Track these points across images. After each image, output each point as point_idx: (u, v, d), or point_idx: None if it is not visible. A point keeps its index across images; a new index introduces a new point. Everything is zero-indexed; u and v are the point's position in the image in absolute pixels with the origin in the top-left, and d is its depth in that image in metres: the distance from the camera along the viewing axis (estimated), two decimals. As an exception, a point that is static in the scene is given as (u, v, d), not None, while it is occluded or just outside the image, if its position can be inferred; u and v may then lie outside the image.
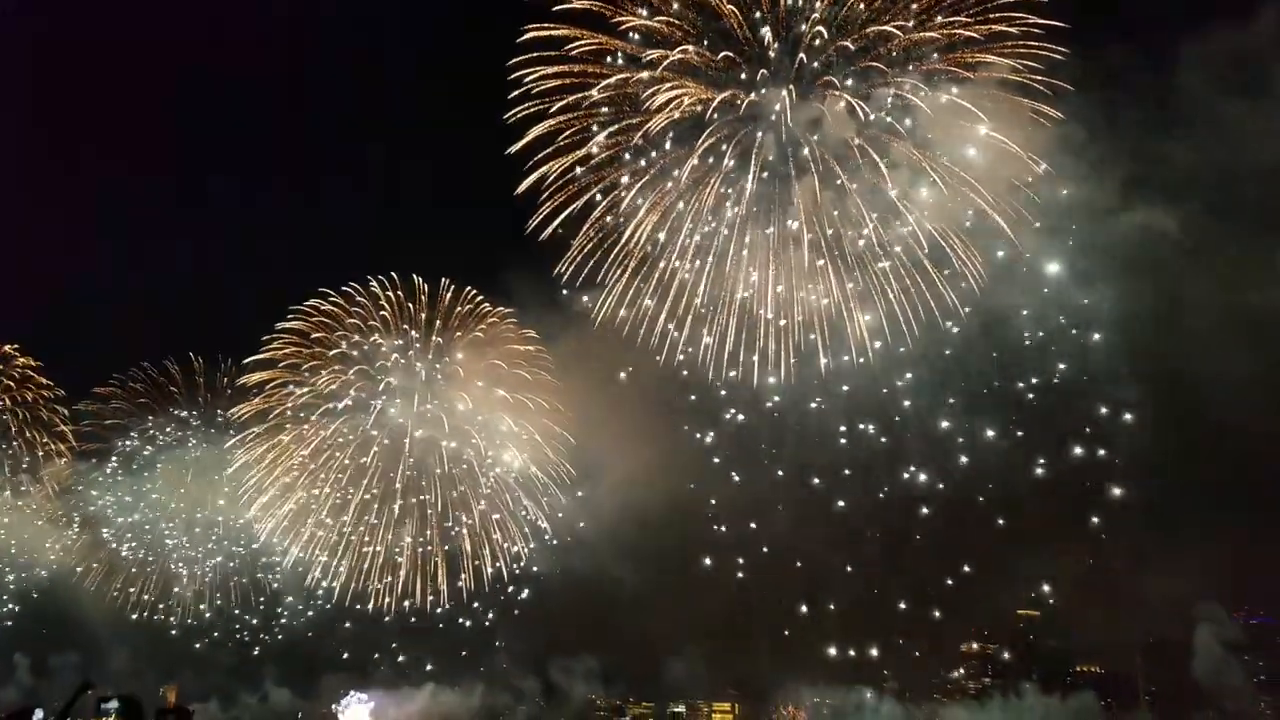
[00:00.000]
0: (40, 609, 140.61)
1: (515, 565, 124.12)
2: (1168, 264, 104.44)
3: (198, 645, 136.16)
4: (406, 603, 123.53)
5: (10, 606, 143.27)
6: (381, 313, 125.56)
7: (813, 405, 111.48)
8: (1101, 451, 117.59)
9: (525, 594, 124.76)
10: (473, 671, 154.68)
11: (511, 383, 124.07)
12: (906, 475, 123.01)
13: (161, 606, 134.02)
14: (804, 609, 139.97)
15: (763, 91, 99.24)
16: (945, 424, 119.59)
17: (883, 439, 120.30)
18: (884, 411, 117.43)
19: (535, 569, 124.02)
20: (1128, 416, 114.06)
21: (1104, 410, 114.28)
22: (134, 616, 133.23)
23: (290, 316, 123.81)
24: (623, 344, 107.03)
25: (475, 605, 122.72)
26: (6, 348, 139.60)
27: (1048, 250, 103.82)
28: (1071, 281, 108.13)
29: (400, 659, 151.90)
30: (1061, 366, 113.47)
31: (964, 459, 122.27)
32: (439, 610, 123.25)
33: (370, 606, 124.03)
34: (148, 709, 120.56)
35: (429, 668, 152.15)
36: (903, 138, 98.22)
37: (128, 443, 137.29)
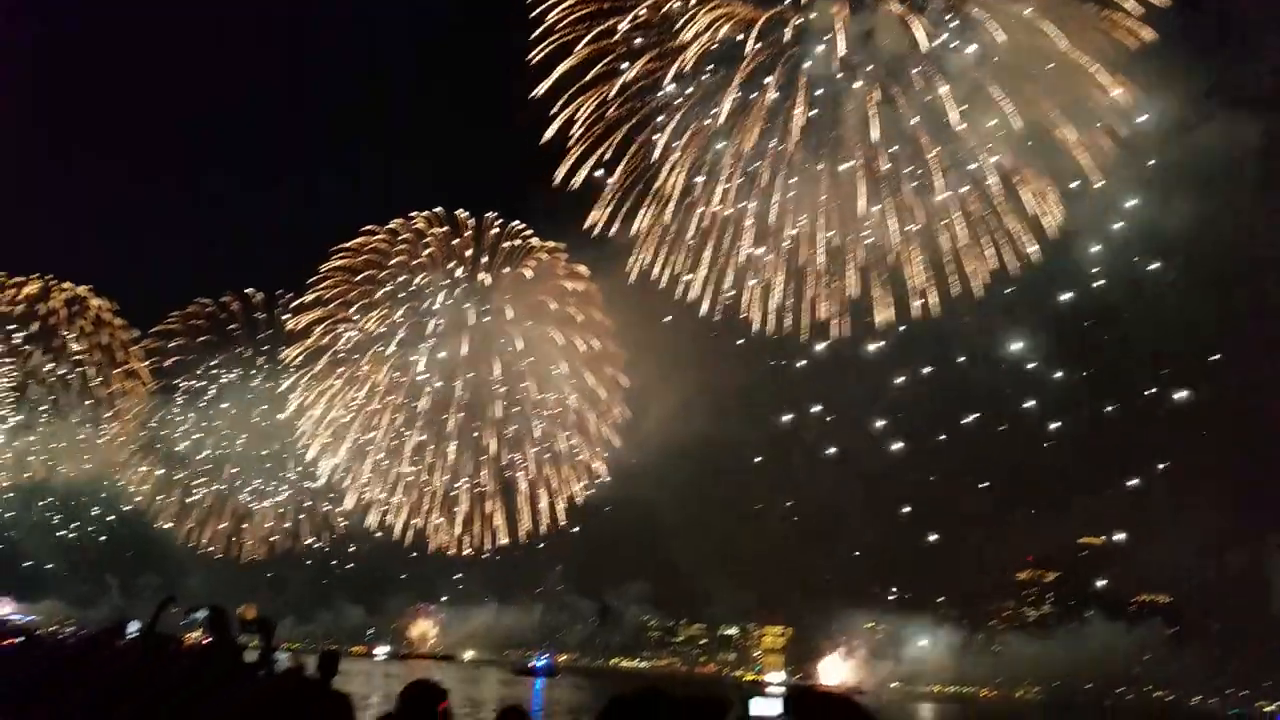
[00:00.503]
0: (124, 537, 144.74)
1: (571, 500, 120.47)
2: (1248, 188, 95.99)
3: (269, 573, 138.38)
4: (465, 538, 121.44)
5: (100, 536, 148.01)
6: (428, 249, 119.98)
7: (871, 347, 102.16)
8: (1183, 393, 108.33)
9: (580, 525, 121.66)
10: (530, 593, 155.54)
11: (561, 320, 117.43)
12: (970, 418, 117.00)
13: (233, 539, 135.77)
14: (856, 540, 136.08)
15: (812, 15, 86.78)
16: (1012, 360, 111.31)
17: (942, 379, 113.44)
18: (944, 351, 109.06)
19: (590, 501, 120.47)
20: (1211, 355, 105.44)
21: (1180, 346, 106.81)
22: (210, 546, 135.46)
23: (336, 255, 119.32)
24: (662, 293, 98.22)
25: (532, 538, 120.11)
26: (80, 289, 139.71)
27: (1126, 180, 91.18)
28: (1150, 211, 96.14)
29: (461, 583, 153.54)
30: (1134, 301, 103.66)
31: (1031, 398, 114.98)
32: (497, 543, 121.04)
33: (430, 547, 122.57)
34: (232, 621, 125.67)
35: (489, 589, 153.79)
36: (969, 59, 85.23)
37: (192, 382, 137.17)
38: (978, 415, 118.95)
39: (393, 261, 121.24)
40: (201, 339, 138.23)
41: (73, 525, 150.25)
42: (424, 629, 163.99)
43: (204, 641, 8.35)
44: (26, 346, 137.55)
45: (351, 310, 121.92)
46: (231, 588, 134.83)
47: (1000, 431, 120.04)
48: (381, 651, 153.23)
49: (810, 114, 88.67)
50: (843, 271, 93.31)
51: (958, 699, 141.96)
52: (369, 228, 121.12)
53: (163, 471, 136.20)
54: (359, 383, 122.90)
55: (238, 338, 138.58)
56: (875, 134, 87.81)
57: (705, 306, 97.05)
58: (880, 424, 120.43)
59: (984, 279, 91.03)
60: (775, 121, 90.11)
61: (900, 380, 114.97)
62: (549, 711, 59.69)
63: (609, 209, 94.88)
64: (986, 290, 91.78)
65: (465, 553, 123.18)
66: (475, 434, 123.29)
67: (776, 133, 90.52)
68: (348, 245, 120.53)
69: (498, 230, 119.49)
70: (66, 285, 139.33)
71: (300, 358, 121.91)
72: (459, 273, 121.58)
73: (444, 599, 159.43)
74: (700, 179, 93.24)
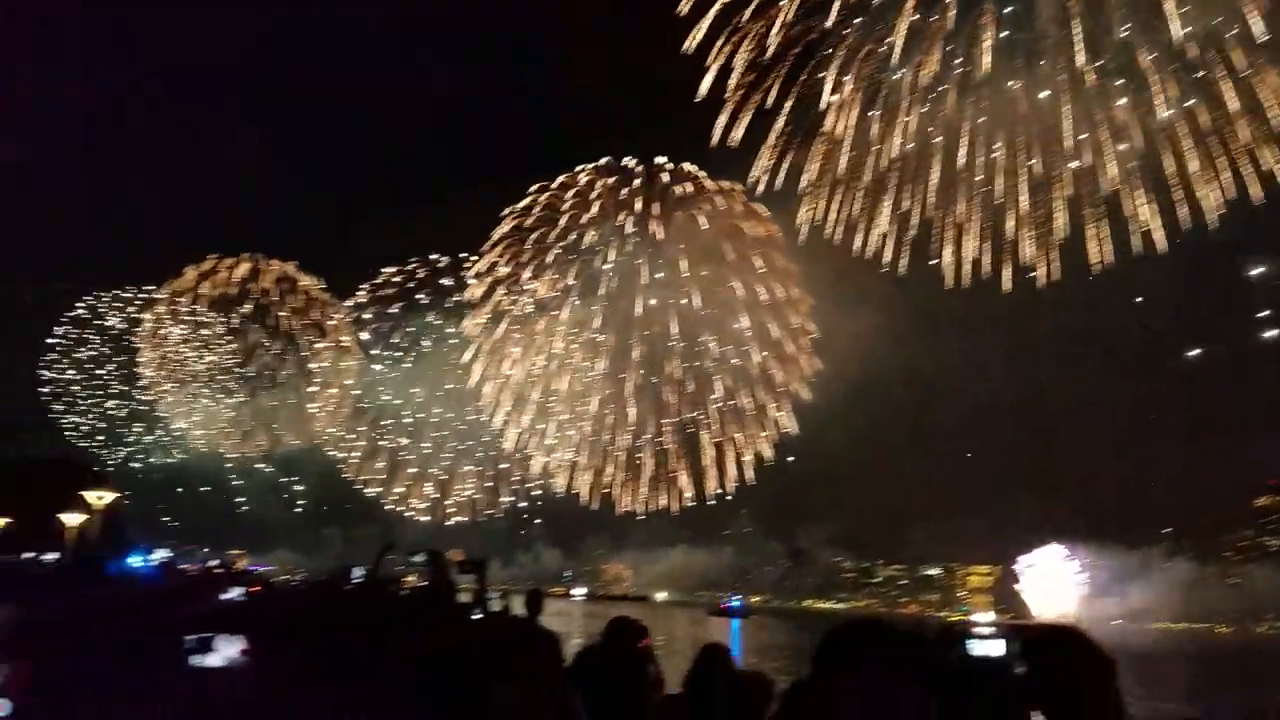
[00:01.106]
0: (341, 496, 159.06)
1: (759, 456, 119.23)
2: None
3: (465, 518, 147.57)
4: (650, 499, 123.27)
5: (315, 495, 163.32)
6: (598, 201, 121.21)
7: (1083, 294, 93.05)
8: None
9: (771, 465, 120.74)
10: (720, 537, 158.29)
11: (740, 268, 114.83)
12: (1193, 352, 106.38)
13: (435, 496, 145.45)
14: (1070, 473, 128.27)
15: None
16: (1257, 283, 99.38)
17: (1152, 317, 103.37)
18: (1148, 288, 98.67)
19: (781, 444, 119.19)
20: None
21: None
22: (416, 509, 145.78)
23: (506, 217, 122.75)
24: (838, 245, 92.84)
25: (721, 491, 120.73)
26: (288, 267, 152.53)
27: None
28: None
29: (651, 528, 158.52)
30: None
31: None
32: (683, 502, 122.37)
33: (618, 508, 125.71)
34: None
35: (679, 533, 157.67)
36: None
37: (389, 350, 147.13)
38: (1203, 349, 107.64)
39: (563, 219, 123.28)
40: (395, 307, 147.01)
41: (294, 487, 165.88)
42: (618, 571, 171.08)
43: (422, 584, 9.07)
44: (244, 325, 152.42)
45: (525, 272, 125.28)
46: (438, 535, 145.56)
47: (1236, 357, 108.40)
48: (579, 592, 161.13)
49: (1001, 33, 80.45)
50: (1049, 206, 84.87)
51: (1189, 635, 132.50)
52: (537, 186, 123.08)
53: (365, 436, 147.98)
54: (537, 347, 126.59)
55: (428, 305, 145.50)
56: (1080, 48, 78.59)
57: (888, 254, 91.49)
58: (1095, 358, 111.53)
59: (1218, 205, 79.94)
60: (959, 41, 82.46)
61: (1118, 316, 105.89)
62: (750, 650, 60.80)
63: (775, 159, 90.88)
64: (1222, 221, 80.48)
65: (652, 511, 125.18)
66: (655, 393, 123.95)
67: (961, 54, 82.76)
68: (518, 206, 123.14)
69: (668, 175, 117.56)
70: (274, 263, 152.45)
71: (479, 326, 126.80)
72: (630, 226, 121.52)
73: (636, 542, 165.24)
74: (875, 113, 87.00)
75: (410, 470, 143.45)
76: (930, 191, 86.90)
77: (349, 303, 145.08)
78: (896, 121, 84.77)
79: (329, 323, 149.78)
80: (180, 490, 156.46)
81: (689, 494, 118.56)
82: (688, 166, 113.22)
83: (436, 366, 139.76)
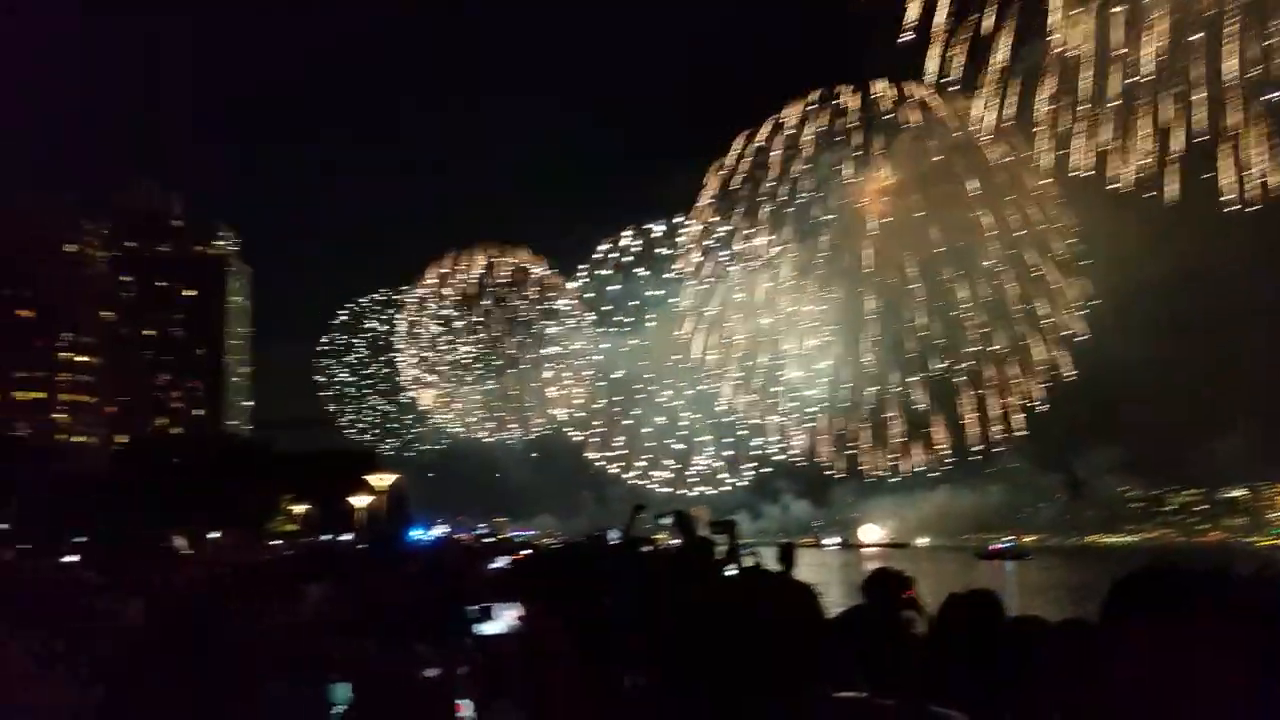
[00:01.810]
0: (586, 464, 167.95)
1: (1028, 404, 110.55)
2: None
3: (708, 488, 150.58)
4: (901, 460, 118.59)
5: (568, 462, 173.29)
6: (811, 140, 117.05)
7: None
8: None
9: (1042, 395, 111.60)
10: (985, 474, 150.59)
11: (985, 198, 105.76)
12: None
13: (676, 467, 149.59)
14: None
15: None
16: None
17: None
18: None
19: (1052, 385, 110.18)
20: None
21: None
22: (658, 476, 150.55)
23: (713, 173, 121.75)
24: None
25: (984, 446, 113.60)
26: (520, 255, 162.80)
27: None
28: None
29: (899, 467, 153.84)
30: None
31: None
32: (942, 465, 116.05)
33: (866, 473, 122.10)
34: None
35: (936, 473, 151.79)
36: None
37: (616, 327, 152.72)
38: None
39: (774, 167, 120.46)
40: (615, 284, 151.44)
41: (538, 460, 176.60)
42: (873, 518, 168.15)
43: (673, 543, 9.43)
44: (486, 316, 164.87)
45: (740, 230, 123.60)
46: (681, 504, 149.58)
47: None
48: (831, 542, 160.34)
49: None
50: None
51: None
52: (743, 136, 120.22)
53: (602, 413, 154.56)
54: (760, 307, 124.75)
55: (648, 276, 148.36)
56: None
57: (1147, 177, 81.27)
58: None
59: None
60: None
61: None
62: (1025, 594, 57.82)
63: (998, 87, 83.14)
64: None
65: (903, 473, 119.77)
66: (898, 344, 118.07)
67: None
68: (725, 160, 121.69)
69: (891, 102, 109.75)
70: (508, 253, 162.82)
71: (697, 292, 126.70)
72: (849, 165, 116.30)
73: (891, 486, 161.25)
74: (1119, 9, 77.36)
75: (648, 444, 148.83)
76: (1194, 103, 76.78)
77: (573, 284, 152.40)
78: (1144, 25, 75.61)
79: (560, 305, 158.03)
80: (448, 469, 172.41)
81: (946, 450, 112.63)
82: (916, 90, 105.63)
83: (663, 337, 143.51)
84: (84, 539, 24.96)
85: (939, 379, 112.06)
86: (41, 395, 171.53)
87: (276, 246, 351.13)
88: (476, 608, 6.60)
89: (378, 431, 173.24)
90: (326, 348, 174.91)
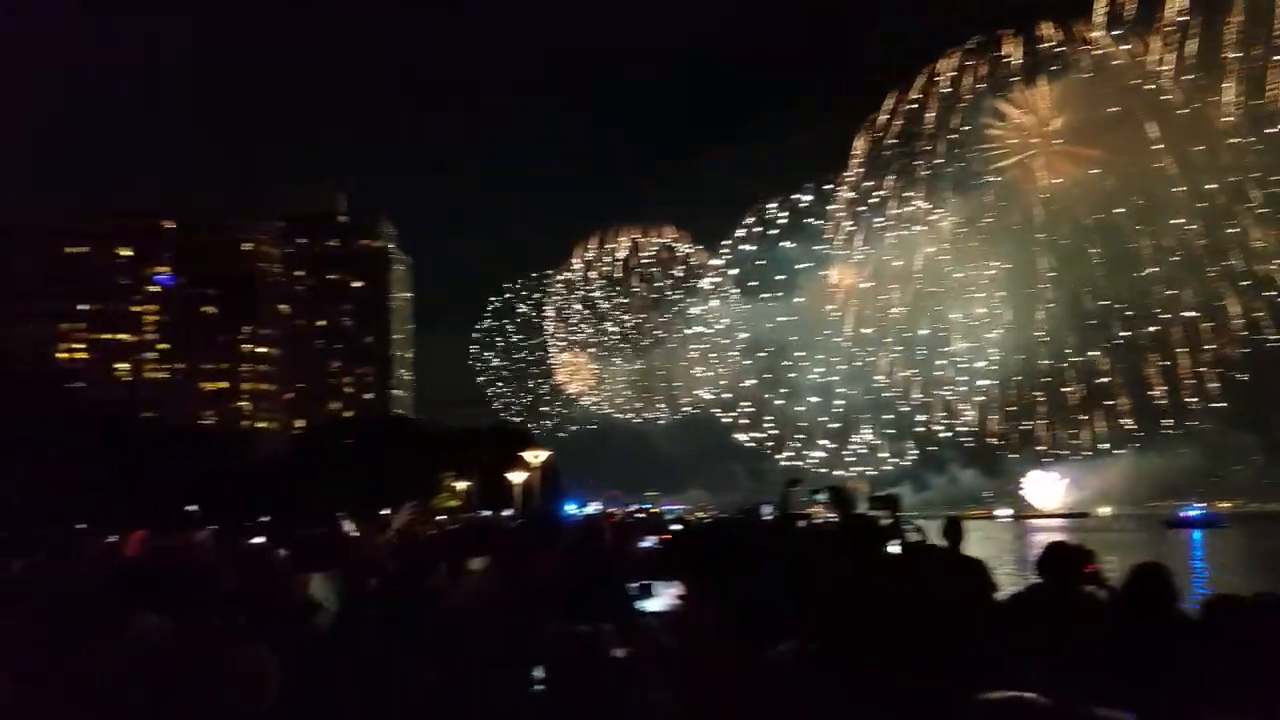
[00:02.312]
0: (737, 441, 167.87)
1: (1222, 369, 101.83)
2: None
3: (867, 469, 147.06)
4: (1077, 437, 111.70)
5: (719, 438, 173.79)
6: (969, 93, 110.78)
7: None
8: None
9: (1238, 356, 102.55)
10: (1174, 437, 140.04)
11: (1170, 147, 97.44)
12: None
13: (832, 446, 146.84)
14: None
15: None
16: None
17: None
18: None
19: (1247, 328, 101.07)
20: None
21: None
22: (812, 456, 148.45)
23: (864, 133, 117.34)
24: None
25: (1173, 420, 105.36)
26: (665, 233, 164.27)
27: None
28: None
29: (1085, 435, 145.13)
30: None
31: None
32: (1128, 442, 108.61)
33: (1043, 451, 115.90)
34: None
35: (1119, 438, 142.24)
36: None
37: (762, 301, 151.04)
38: None
39: (929, 123, 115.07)
40: (763, 251, 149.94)
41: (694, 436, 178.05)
42: (1048, 485, 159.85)
43: (830, 518, 9.28)
44: (631, 295, 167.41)
45: (893, 192, 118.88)
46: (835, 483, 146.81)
47: None
48: (1003, 514, 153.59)
49: None
50: None
51: None
52: (894, 95, 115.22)
53: (749, 393, 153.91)
54: (918, 275, 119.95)
55: (795, 248, 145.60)
56: None
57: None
58: None
59: None
60: None
61: None
62: (1218, 566, 53.79)
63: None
64: None
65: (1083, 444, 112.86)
66: (1075, 307, 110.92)
67: None
68: (876, 118, 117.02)
69: (1058, 43, 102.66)
70: (651, 233, 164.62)
71: (848, 262, 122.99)
72: (1013, 112, 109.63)
73: (1067, 452, 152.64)
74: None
75: (801, 424, 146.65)
76: None
77: (718, 260, 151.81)
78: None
79: (705, 282, 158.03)
80: (599, 446, 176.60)
81: (1129, 421, 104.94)
82: (1086, 32, 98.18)
83: (813, 312, 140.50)
84: (268, 519, 27.08)
85: (1121, 343, 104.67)
86: (226, 385, 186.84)
87: (434, 236, 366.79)
88: (637, 585, 6.70)
89: (531, 411, 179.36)
90: (481, 332, 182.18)
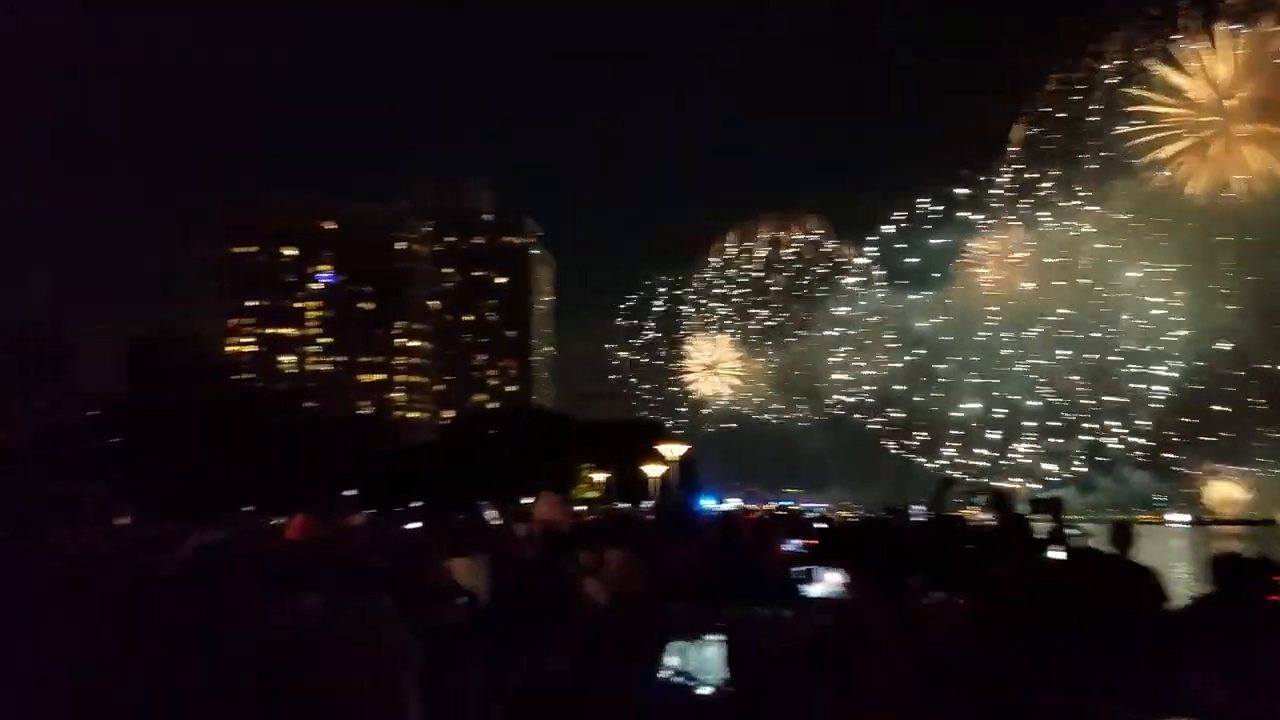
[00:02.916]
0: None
1: None
2: None
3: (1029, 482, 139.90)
4: None
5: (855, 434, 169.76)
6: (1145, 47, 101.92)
7: None
8: None
9: None
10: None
11: None
12: None
13: (993, 456, 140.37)
14: None
15: None
16: None
17: None
18: None
19: None
20: None
21: None
22: (967, 463, 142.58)
23: (1027, 117, 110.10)
24: None
25: None
26: (809, 227, 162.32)
27: None
28: None
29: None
30: None
31: None
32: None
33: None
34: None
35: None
36: None
37: (913, 295, 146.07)
38: None
39: (1099, 97, 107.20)
40: (914, 246, 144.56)
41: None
42: (1228, 490, 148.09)
43: (988, 522, 8.89)
44: (769, 290, 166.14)
45: (1056, 179, 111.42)
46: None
47: None
48: (1178, 519, 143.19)
49: None
50: None
51: None
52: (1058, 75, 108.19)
53: (901, 398, 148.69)
54: (1088, 269, 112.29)
55: (948, 240, 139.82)
56: None
57: None
58: None
59: None
60: None
61: None
62: None
63: None
64: None
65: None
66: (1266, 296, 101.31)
67: None
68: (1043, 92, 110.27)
69: None
70: (793, 227, 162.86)
71: (1000, 260, 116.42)
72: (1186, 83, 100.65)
73: (1255, 451, 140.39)
74: None
75: (954, 431, 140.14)
76: None
77: (863, 260, 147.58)
78: None
79: (849, 280, 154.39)
80: (738, 440, 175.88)
81: None
82: None
83: (969, 311, 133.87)
84: (419, 505, 28.26)
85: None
86: (382, 377, 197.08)
87: (576, 234, 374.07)
88: (804, 569, 6.60)
89: (668, 406, 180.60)
90: (620, 328, 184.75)
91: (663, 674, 3.67)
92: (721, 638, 3.08)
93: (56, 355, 39.46)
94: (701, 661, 3.79)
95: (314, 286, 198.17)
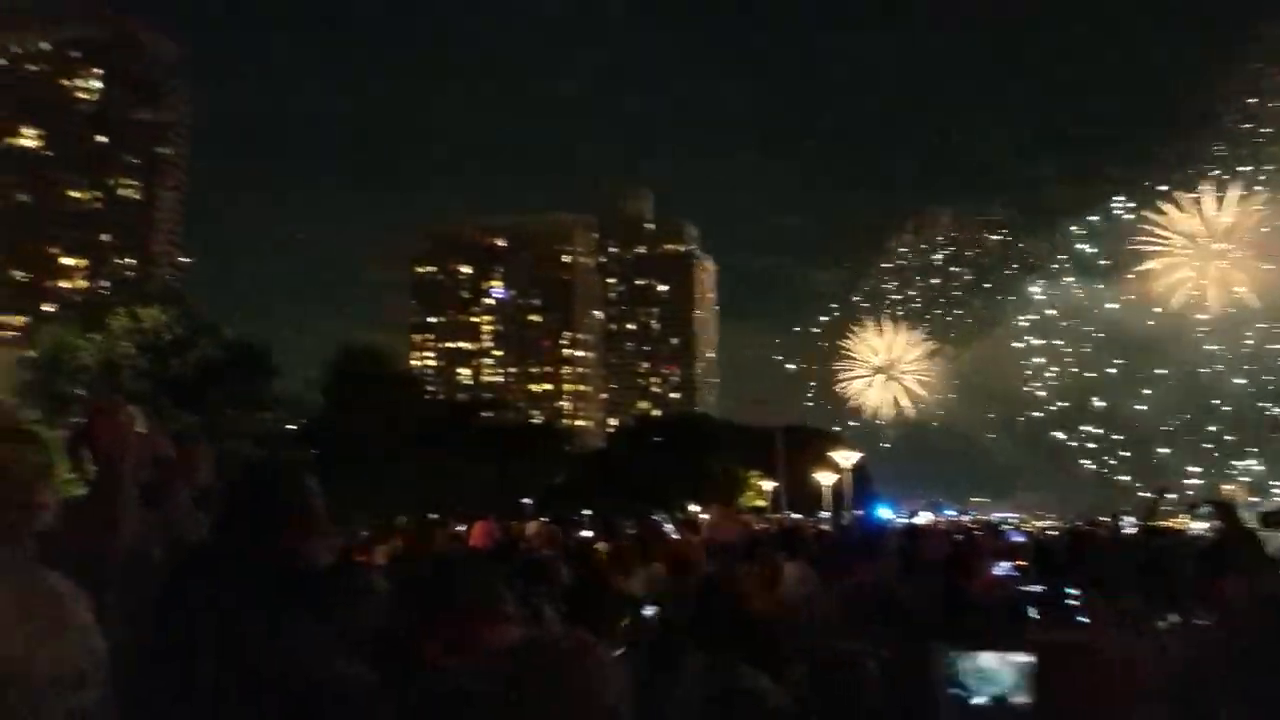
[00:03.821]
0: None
1: None
2: None
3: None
4: None
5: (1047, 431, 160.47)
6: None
7: None
8: None
9: None
10: None
11: None
12: None
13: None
14: None
15: None
16: None
17: None
18: None
19: None
20: None
21: None
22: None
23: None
24: None
25: None
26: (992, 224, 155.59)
27: None
28: None
29: None
30: None
31: None
32: None
33: None
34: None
35: None
36: None
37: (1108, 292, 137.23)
38: None
39: None
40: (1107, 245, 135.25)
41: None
42: None
43: (1209, 536, 8.08)
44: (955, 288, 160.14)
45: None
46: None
47: None
48: None
49: None
50: None
51: None
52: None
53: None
54: None
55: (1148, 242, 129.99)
56: None
57: None
58: None
59: None
60: None
61: None
62: None
63: None
64: None
65: None
66: None
67: None
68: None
69: None
70: (973, 221, 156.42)
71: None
72: None
73: None
74: None
75: (1162, 448, 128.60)
76: None
77: (1057, 256, 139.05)
78: None
79: (1036, 284, 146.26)
80: (919, 447, 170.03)
81: None
82: None
83: (1176, 316, 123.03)
84: (589, 513, 28.71)
85: None
86: (549, 387, 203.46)
87: (737, 236, 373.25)
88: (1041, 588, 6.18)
89: (841, 411, 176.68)
90: (787, 328, 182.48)
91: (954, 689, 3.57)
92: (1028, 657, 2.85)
93: (270, 370, 42.93)
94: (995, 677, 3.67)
95: (487, 301, 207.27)
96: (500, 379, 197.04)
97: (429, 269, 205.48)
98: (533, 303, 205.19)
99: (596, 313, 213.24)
